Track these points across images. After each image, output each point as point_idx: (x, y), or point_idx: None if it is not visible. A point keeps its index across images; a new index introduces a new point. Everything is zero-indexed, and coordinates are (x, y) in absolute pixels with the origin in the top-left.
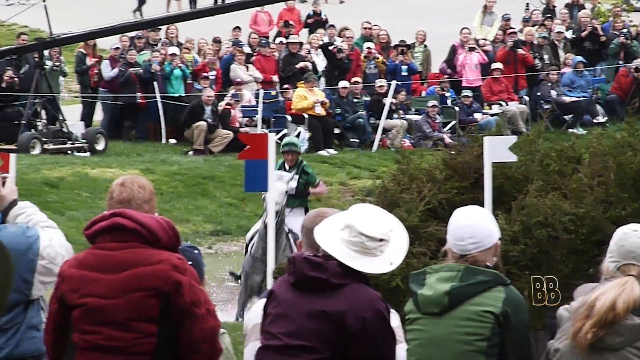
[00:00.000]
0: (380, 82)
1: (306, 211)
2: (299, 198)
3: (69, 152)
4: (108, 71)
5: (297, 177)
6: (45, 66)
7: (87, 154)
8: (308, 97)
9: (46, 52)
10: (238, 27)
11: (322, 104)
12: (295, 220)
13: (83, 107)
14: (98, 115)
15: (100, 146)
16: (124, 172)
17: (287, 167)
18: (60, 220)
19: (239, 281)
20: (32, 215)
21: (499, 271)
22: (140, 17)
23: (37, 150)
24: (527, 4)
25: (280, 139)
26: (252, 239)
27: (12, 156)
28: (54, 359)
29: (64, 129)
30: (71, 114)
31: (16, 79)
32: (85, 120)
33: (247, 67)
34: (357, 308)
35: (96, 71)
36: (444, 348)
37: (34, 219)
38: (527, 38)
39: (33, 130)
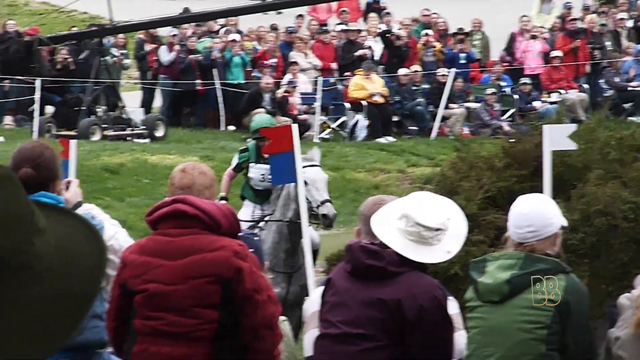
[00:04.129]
0: (442, 70)
1: None
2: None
3: (129, 138)
4: (165, 56)
5: None
6: (107, 57)
7: (147, 140)
8: (366, 85)
9: (110, 40)
10: (301, 15)
11: (381, 95)
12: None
13: (143, 93)
14: (157, 102)
15: (159, 133)
16: (184, 159)
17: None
18: (120, 206)
19: None
20: (98, 216)
21: (561, 259)
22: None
23: (97, 137)
24: None
25: (339, 126)
26: None
27: (73, 142)
28: (116, 344)
29: (124, 116)
30: (131, 100)
31: (70, 60)
32: (144, 107)
33: (305, 55)
34: (414, 296)
35: (155, 57)
36: (504, 336)
37: (98, 219)
38: (588, 26)
39: (93, 117)
